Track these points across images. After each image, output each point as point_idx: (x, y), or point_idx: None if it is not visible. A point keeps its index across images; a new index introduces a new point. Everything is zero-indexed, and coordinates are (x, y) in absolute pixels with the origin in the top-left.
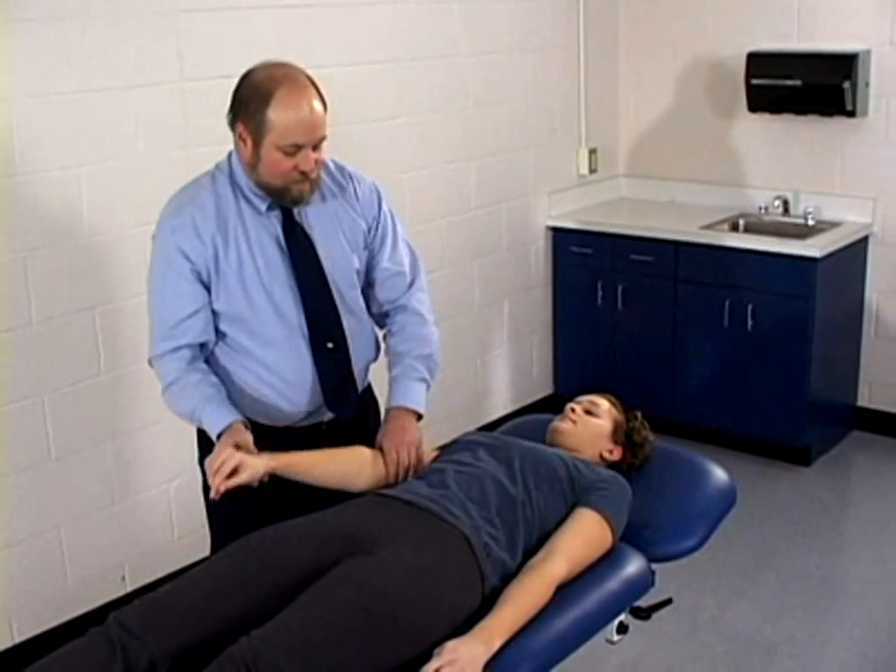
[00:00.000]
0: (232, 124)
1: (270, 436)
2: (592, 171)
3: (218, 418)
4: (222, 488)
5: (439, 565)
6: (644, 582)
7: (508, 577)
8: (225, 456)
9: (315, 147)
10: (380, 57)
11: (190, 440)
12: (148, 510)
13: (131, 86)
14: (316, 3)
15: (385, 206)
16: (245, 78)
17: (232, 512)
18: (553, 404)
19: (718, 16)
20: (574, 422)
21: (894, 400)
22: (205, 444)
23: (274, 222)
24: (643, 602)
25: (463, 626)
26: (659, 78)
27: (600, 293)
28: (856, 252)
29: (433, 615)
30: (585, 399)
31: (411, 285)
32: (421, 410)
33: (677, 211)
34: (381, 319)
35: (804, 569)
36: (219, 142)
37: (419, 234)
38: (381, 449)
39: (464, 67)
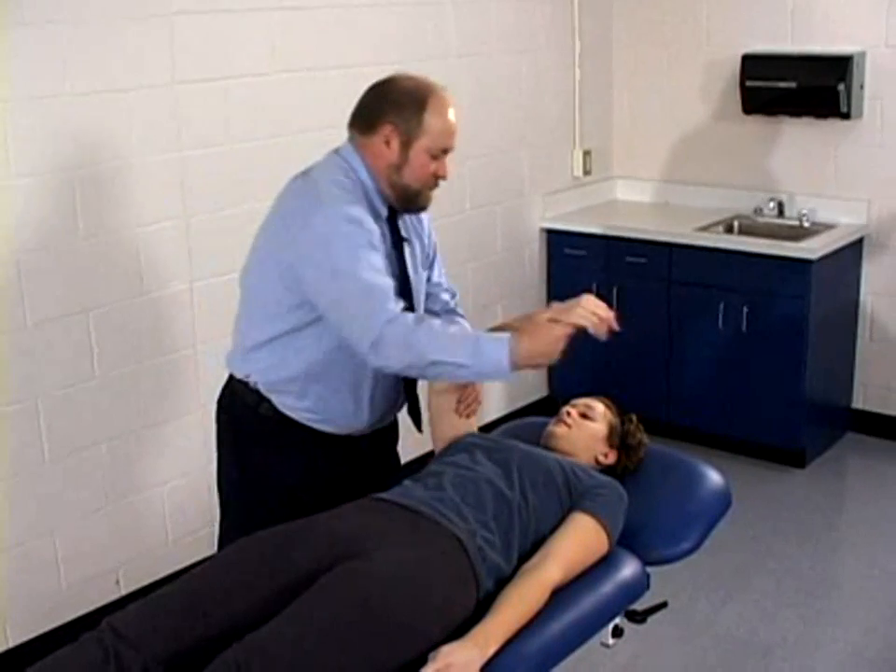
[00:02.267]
0: (372, 128)
1: (327, 444)
2: (586, 172)
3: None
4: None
5: (434, 569)
6: (639, 586)
7: (502, 581)
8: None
9: (449, 155)
10: (373, 59)
11: (182, 444)
12: (143, 513)
13: (123, 89)
14: (309, 6)
15: (434, 231)
16: (391, 85)
17: (248, 511)
18: (548, 406)
19: (713, 17)
20: (569, 426)
21: (889, 402)
22: (225, 437)
23: (386, 230)
24: (638, 605)
25: (458, 631)
26: (654, 80)
27: (595, 295)
28: (851, 254)
29: (428, 619)
30: (580, 402)
31: (453, 296)
32: None
33: (671, 213)
34: None
35: (798, 571)
36: (213, 144)
37: None
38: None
39: (457, 69)
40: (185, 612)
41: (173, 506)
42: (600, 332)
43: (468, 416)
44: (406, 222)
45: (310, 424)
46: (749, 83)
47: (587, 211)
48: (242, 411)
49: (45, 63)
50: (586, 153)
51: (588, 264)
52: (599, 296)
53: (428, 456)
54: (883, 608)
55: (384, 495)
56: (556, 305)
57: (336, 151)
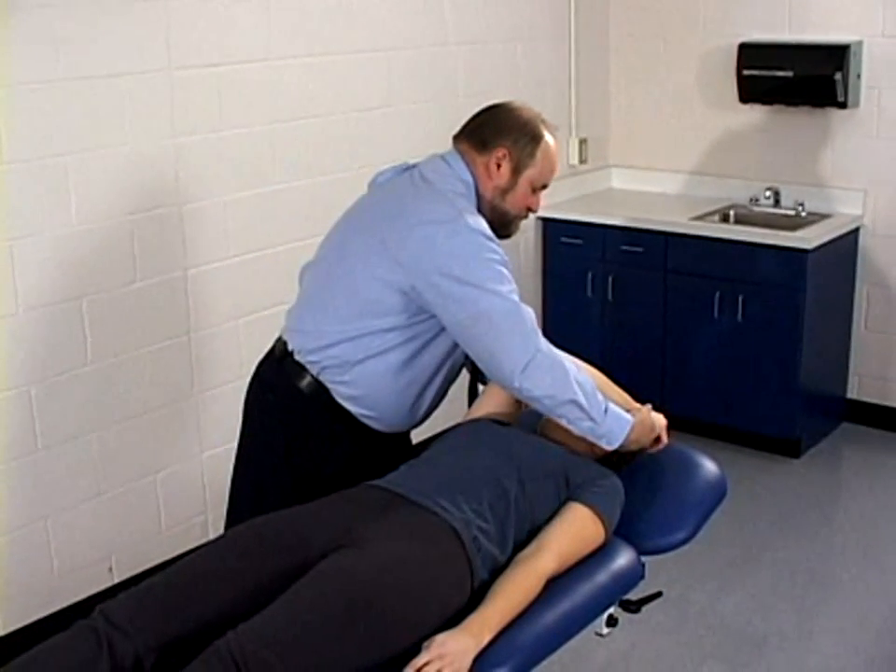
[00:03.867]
0: (486, 147)
1: (369, 437)
2: (582, 161)
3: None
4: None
5: (428, 558)
6: (634, 576)
7: (497, 570)
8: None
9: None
10: (369, 46)
11: (175, 432)
12: (136, 500)
13: (118, 74)
14: None
15: None
16: (511, 111)
17: (269, 493)
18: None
19: (709, 6)
20: None
21: (884, 393)
22: (270, 419)
23: None
24: (633, 595)
25: (452, 620)
26: (650, 69)
27: (590, 284)
28: (846, 244)
29: (421, 609)
30: None
31: None
32: None
33: (667, 202)
34: None
35: (793, 561)
36: (207, 130)
37: None
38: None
39: (454, 56)
40: (178, 600)
41: (166, 494)
42: (658, 447)
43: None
44: None
45: (361, 418)
46: (745, 72)
47: (583, 200)
48: (294, 394)
49: (37, 47)
50: (582, 142)
51: (584, 253)
52: (594, 285)
53: (425, 442)
54: (877, 598)
55: (379, 482)
56: (650, 408)
57: (443, 159)
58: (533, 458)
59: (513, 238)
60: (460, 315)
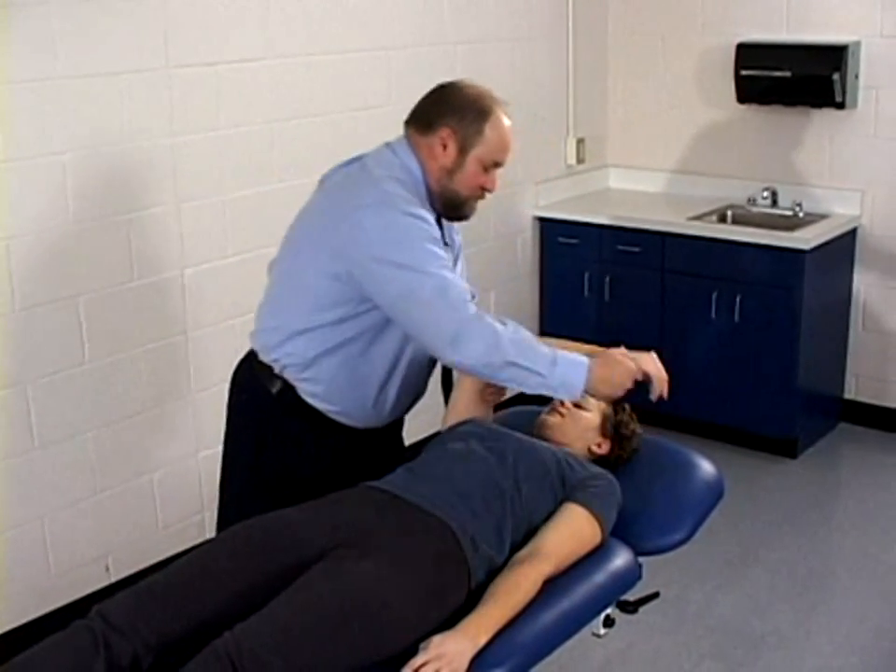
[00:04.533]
0: (430, 128)
1: (342, 435)
2: (580, 161)
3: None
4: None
5: (425, 559)
6: (631, 576)
7: (494, 571)
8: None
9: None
10: (368, 45)
11: (172, 431)
12: (133, 499)
13: (116, 72)
14: None
15: (458, 231)
16: (455, 90)
17: (252, 497)
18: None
19: (707, 6)
20: (562, 415)
21: (881, 393)
22: (241, 419)
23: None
24: (630, 595)
25: (449, 621)
26: (648, 68)
27: (587, 284)
28: (844, 244)
29: (418, 609)
30: None
31: (473, 297)
32: None
33: (664, 202)
34: None
35: (790, 561)
36: (205, 129)
37: None
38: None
39: (452, 56)
40: (175, 600)
41: (163, 493)
42: (657, 389)
43: (494, 402)
44: (444, 226)
45: (329, 415)
46: (743, 72)
47: (580, 199)
48: (263, 394)
49: (35, 45)
50: (580, 141)
51: (581, 253)
52: (592, 284)
53: (422, 443)
54: (875, 598)
55: (376, 483)
56: (624, 350)
57: (389, 147)
58: (529, 459)
59: (510, 238)
60: (391, 295)
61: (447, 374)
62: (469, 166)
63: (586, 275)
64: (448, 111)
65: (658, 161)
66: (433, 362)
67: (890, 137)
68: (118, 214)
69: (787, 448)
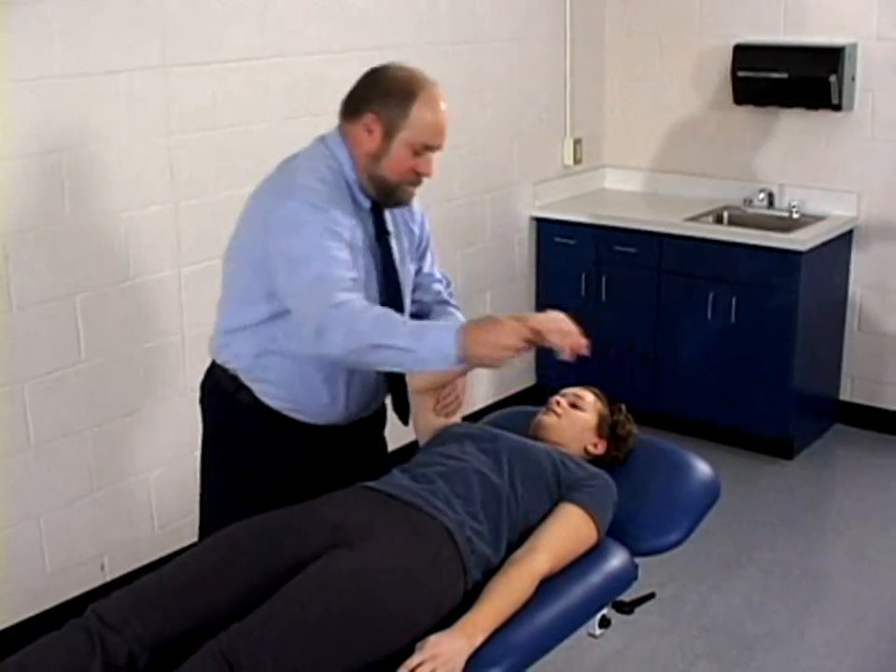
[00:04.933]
0: (356, 114)
1: (307, 434)
2: (577, 161)
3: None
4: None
5: (421, 559)
6: (627, 577)
7: (490, 571)
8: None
9: (434, 153)
10: (365, 44)
11: (168, 430)
12: (128, 499)
13: (113, 71)
14: None
15: (427, 222)
16: (381, 73)
17: (226, 500)
18: (535, 395)
19: (704, 7)
20: (559, 415)
21: (876, 395)
22: (208, 425)
23: (369, 223)
24: (626, 596)
25: (445, 621)
26: (645, 69)
27: (584, 284)
28: (840, 246)
29: (415, 609)
30: (570, 391)
31: (448, 284)
32: None
33: (661, 203)
34: (420, 318)
35: (786, 562)
36: (202, 128)
37: None
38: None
39: (449, 56)
40: (171, 599)
41: (159, 492)
42: (563, 347)
43: (446, 416)
44: (394, 214)
45: (288, 414)
46: (740, 73)
47: (577, 200)
48: (222, 397)
49: (32, 44)
50: (577, 142)
51: (577, 253)
52: (588, 285)
53: (416, 444)
54: (869, 599)
55: (372, 484)
56: (554, 313)
57: (321, 139)
58: (524, 460)
59: (507, 238)
60: (282, 287)
61: (397, 395)
62: (397, 150)
63: (583, 276)
64: (373, 95)
65: (655, 162)
66: None
67: (886, 139)
68: (114, 213)
69: (782, 449)
